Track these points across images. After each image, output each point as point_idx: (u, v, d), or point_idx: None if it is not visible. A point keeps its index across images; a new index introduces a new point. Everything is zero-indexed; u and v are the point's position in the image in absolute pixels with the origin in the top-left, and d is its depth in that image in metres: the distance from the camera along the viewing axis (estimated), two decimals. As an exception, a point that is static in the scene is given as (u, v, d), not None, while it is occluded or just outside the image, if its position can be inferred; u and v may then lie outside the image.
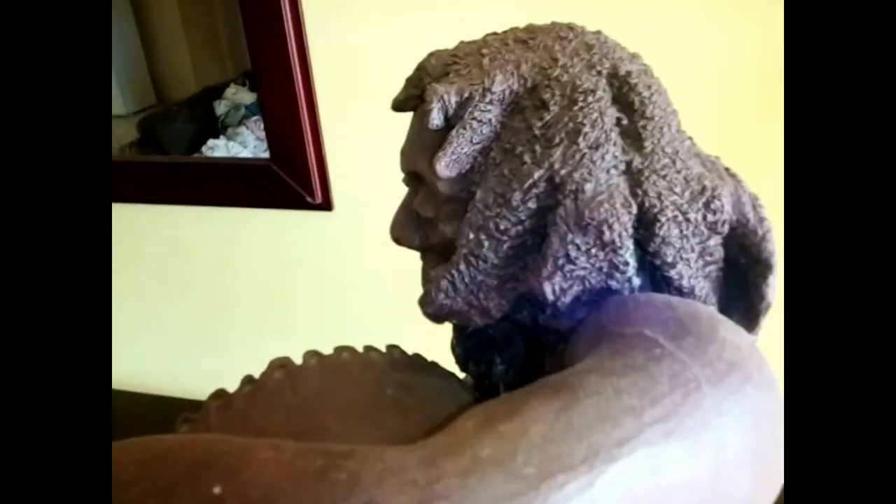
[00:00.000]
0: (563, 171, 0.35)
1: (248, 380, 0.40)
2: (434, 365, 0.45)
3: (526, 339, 0.42)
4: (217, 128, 1.23)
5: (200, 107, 1.27)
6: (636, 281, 0.37)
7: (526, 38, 0.39)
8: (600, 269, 0.36)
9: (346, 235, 1.03)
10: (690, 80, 0.82)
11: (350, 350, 0.42)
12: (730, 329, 0.33)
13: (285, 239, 1.06)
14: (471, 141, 0.37)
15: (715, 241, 0.38)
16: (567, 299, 0.37)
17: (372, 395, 0.39)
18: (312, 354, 0.41)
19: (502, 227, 0.37)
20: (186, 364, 1.21)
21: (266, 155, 1.01)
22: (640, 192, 0.36)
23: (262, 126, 1.14)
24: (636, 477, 0.27)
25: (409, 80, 0.42)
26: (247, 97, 1.26)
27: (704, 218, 0.37)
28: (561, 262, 0.36)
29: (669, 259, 0.37)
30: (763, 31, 0.78)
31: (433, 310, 0.40)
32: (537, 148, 0.36)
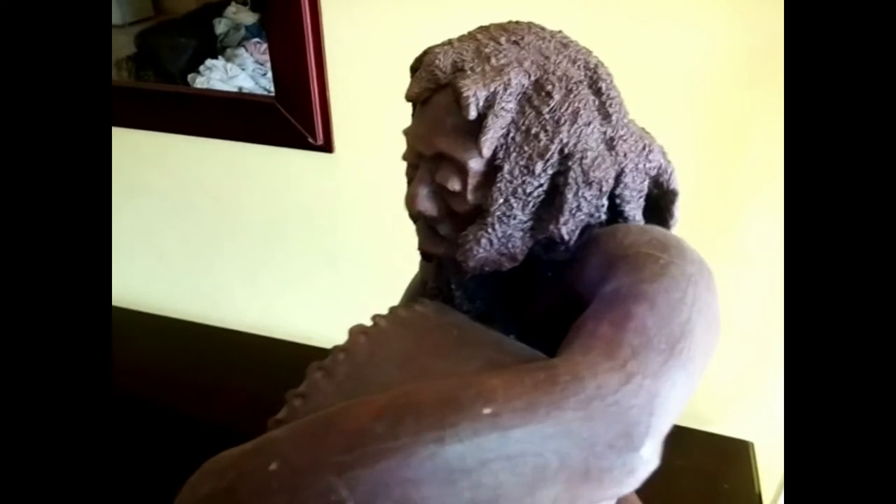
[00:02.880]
0: (570, 144, 0.46)
1: (340, 349, 0.45)
2: (450, 307, 0.53)
3: (509, 273, 0.50)
4: (216, 47, 1.21)
5: (200, 24, 1.23)
6: (604, 217, 0.49)
7: (515, 39, 0.48)
8: (590, 212, 0.47)
9: (344, 178, 1.06)
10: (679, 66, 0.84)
11: (401, 307, 0.49)
12: (683, 240, 0.45)
13: (284, 176, 1.09)
14: (501, 126, 0.46)
15: (647, 182, 0.50)
16: (575, 237, 0.47)
17: (444, 337, 0.46)
18: (380, 317, 0.48)
19: (528, 190, 0.46)
20: (185, 286, 1.26)
21: (264, 80, 1.01)
22: (614, 153, 0.47)
23: (262, 49, 1.13)
24: (698, 346, 0.39)
25: (420, 77, 0.48)
26: (248, 17, 1.23)
27: (645, 166, 0.49)
28: (574, 211, 0.46)
29: (627, 198, 0.49)
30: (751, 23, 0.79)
31: (475, 262, 0.48)
32: (549, 128, 0.46)
